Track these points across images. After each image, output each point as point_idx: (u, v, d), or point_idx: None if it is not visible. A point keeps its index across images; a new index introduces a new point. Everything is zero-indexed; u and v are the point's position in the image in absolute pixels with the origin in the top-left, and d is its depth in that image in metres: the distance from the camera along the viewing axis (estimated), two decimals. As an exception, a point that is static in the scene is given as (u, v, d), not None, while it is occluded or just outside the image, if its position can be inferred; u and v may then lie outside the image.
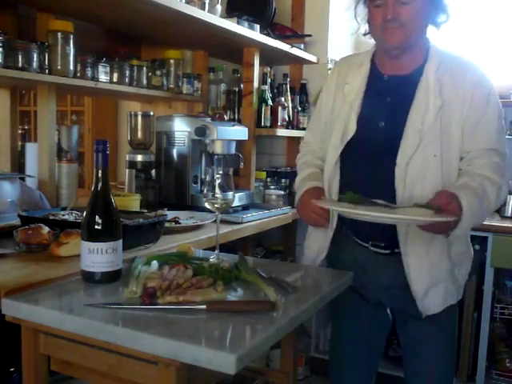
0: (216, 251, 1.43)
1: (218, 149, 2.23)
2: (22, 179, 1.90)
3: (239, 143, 2.45)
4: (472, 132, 1.46)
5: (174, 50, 2.53)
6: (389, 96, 1.52)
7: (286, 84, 2.83)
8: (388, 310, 1.74)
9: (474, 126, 1.46)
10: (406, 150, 1.45)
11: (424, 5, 1.43)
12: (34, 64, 1.77)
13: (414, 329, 1.61)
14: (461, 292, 1.59)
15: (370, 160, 1.51)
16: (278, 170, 2.90)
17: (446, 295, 1.53)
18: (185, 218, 1.98)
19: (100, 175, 1.21)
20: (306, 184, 1.65)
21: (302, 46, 2.87)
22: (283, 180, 2.84)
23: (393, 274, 1.54)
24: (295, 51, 2.75)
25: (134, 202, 1.89)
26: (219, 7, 2.30)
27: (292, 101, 2.86)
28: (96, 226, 1.19)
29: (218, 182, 1.40)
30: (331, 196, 1.57)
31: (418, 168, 1.44)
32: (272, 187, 2.75)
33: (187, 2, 2.01)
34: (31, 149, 2.07)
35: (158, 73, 2.36)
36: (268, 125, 2.65)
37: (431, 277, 1.49)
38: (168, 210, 1.96)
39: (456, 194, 1.37)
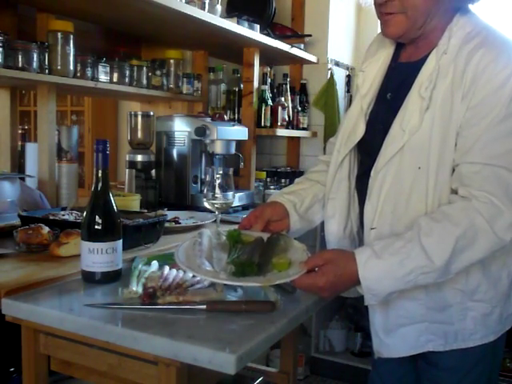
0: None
1: (218, 149, 2.23)
2: (22, 179, 1.90)
3: (239, 143, 2.45)
4: (464, 136, 1.11)
5: (174, 49, 2.53)
6: (390, 90, 1.27)
7: (286, 84, 2.83)
8: None
9: (468, 128, 1.11)
10: (383, 158, 1.19)
11: None
12: (34, 64, 1.77)
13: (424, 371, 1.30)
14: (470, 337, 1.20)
15: (367, 172, 1.26)
16: (278, 170, 2.90)
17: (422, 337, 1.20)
18: (185, 218, 1.98)
19: (100, 175, 1.21)
20: (274, 196, 1.41)
21: (302, 46, 2.87)
22: (283, 180, 2.84)
23: None
24: (295, 51, 2.75)
25: (133, 202, 1.89)
26: (219, 7, 2.29)
27: (292, 101, 2.86)
28: (96, 226, 1.18)
29: (218, 181, 1.40)
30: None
31: (394, 181, 1.16)
32: (272, 187, 2.75)
33: (187, 2, 2.01)
34: (31, 149, 2.07)
35: (158, 73, 2.36)
36: (268, 125, 2.65)
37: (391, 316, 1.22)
38: (168, 210, 1.96)
39: (346, 256, 1.11)
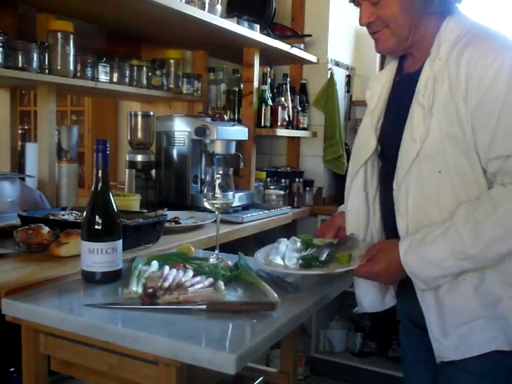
0: (216, 251, 1.43)
1: (218, 149, 2.23)
2: (22, 179, 1.90)
3: (239, 143, 2.45)
4: (480, 136, 1.12)
5: (173, 49, 2.53)
6: (396, 102, 1.30)
7: (286, 84, 2.83)
8: None
9: (481, 128, 1.12)
10: (401, 170, 1.21)
11: None
12: (34, 64, 1.77)
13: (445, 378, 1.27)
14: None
15: (378, 187, 1.33)
16: (278, 170, 2.90)
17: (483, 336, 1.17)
18: (185, 218, 1.98)
19: (100, 175, 1.21)
20: (342, 206, 1.46)
21: (302, 46, 2.87)
22: (283, 180, 2.84)
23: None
24: (295, 51, 2.75)
25: (133, 202, 1.89)
26: (219, 7, 2.30)
27: (292, 101, 2.86)
28: (96, 226, 1.19)
29: (218, 181, 1.40)
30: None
31: (418, 189, 1.19)
32: (272, 187, 2.75)
33: (187, 2, 2.01)
34: (31, 149, 2.07)
35: (158, 73, 2.36)
36: (268, 125, 2.65)
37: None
38: (168, 210, 1.96)
39: (393, 244, 1.19)
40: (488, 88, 1.09)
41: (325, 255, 1.27)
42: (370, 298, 1.35)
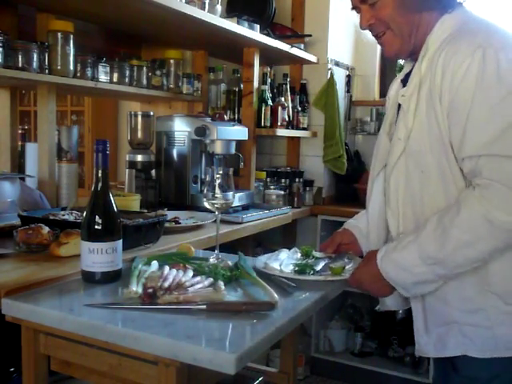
0: (216, 251, 1.43)
1: (218, 149, 2.23)
2: (22, 179, 1.90)
3: (239, 143, 2.45)
4: (453, 136, 1.11)
5: (174, 49, 2.53)
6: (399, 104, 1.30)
7: (286, 84, 2.83)
8: None
9: (453, 127, 1.11)
10: (389, 165, 1.25)
11: None
12: (34, 64, 1.77)
13: None
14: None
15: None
16: (278, 170, 2.90)
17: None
18: (185, 218, 1.98)
19: (100, 175, 1.21)
20: (345, 224, 1.53)
21: (302, 46, 2.87)
22: (283, 180, 2.84)
23: None
24: (295, 51, 2.75)
25: (133, 202, 1.89)
26: (219, 7, 2.30)
27: (292, 101, 2.86)
28: (96, 226, 1.19)
29: (217, 181, 1.40)
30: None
31: (406, 185, 1.21)
32: (272, 187, 2.75)
33: (187, 2, 2.01)
34: (31, 149, 2.07)
35: (158, 73, 2.36)
36: (268, 125, 2.65)
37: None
38: (168, 210, 1.96)
39: (374, 252, 1.23)
40: (458, 87, 1.08)
41: (321, 265, 1.36)
42: (394, 296, 1.32)
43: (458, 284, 1.15)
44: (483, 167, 1.06)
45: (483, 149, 1.06)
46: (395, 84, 1.35)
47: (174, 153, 2.24)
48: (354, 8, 1.29)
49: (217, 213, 1.44)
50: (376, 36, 1.27)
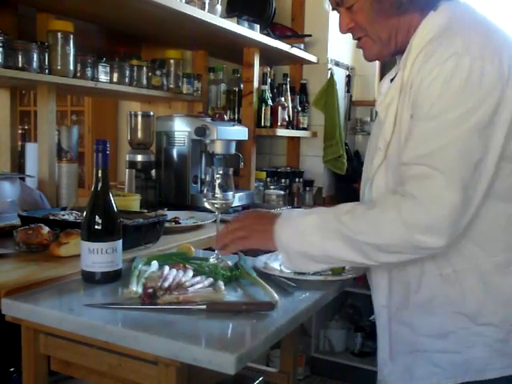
0: (216, 251, 1.43)
1: (218, 149, 2.23)
2: (22, 179, 1.90)
3: (239, 143, 2.45)
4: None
5: (173, 49, 2.53)
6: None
7: (286, 84, 2.84)
8: None
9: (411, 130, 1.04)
10: (365, 178, 1.21)
11: None
12: (34, 64, 1.77)
13: None
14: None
15: None
16: (278, 170, 2.90)
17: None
18: (185, 218, 1.98)
19: (100, 175, 1.21)
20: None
21: (302, 46, 2.87)
22: (283, 180, 2.84)
23: None
24: (295, 51, 2.75)
25: (133, 202, 1.89)
26: (219, 7, 2.30)
27: (292, 101, 2.86)
28: (96, 226, 1.18)
29: (217, 181, 1.40)
30: None
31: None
32: (272, 187, 2.75)
33: (187, 2, 2.01)
34: (31, 149, 2.07)
35: (158, 73, 2.36)
36: (268, 125, 2.66)
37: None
38: (168, 210, 1.96)
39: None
40: (423, 92, 1.01)
41: None
42: None
43: (426, 308, 1.08)
44: (410, 176, 1.00)
45: (416, 159, 1.00)
46: (385, 83, 1.24)
47: (174, 153, 2.24)
48: (334, 9, 1.22)
49: (217, 213, 1.44)
50: (357, 39, 1.21)
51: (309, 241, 1.09)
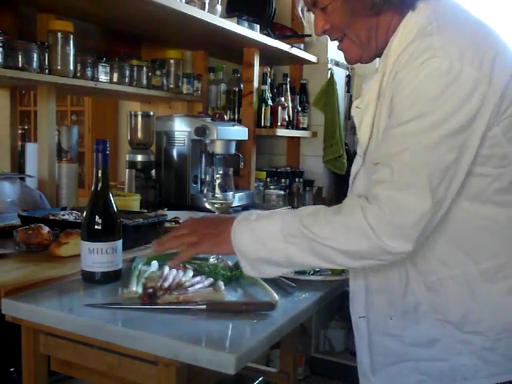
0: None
1: (218, 149, 2.23)
2: (22, 179, 1.90)
3: (239, 143, 2.45)
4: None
5: (173, 49, 2.53)
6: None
7: (286, 84, 2.83)
8: None
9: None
10: (351, 175, 1.19)
11: None
12: (34, 64, 1.77)
13: None
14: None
15: None
16: (278, 170, 2.90)
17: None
18: (185, 218, 1.97)
19: (100, 175, 1.21)
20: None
21: (302, 46, 2.87)
22: (283, 180, 2.84)
23: None
24: (295, 51, 2.75)
25: (133, 202, 1.89)
26: (219, 7, 2.29)
27: (292, 101, 2.86)
28: (96, 226, 1.18)
29: (217, 181, 1.40)
30: None
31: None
32: (272, 187, 2.75)
33: (187, 2, 2.01)
34: (31, 149, 2.07)
35: (158, 73, 2.36)
36: (268, 125, 2.65)
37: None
38: (168, 210, 1.96)
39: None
40: (400, 97, 0.95)
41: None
42: None
43: (411, 317, 1.05)
44: (374, 180, 0.97)
45: (383, 159, 0.96)
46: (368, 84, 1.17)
47: (174, 153, 2.24)
48: (309, 10, 1.15)
49: (217, 213, 1.44)
50: (338, 41, 1.14)
51: (271, 247, 1.01)
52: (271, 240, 1.00)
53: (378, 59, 1.16)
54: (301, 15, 1.17)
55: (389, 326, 1.08)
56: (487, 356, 1.01)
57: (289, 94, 2.82)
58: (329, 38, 1.16)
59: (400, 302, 1.06)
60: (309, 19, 1.16)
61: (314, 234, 0.97)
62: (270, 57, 2.77)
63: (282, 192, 2.71)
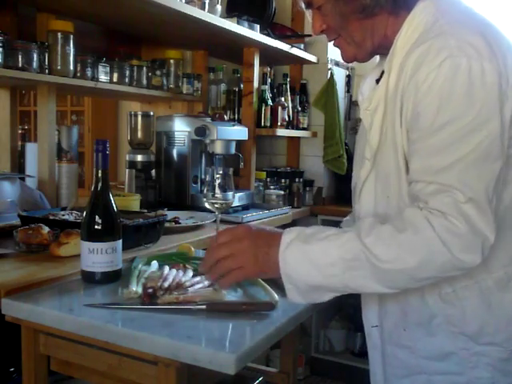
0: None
1: (218, 149, 2.23)
2: (22, 179, 1.90)
3: (239, 143, 2.45)
4: (409, 156, 0.97)
5: (173, 49, 2.53)
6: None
7: (286, 84, 2.83)
8: None
9: (411, 147, 0.96)
10: (357, 187, 1.13)
11: None
12: (34, 64, 1.77)
13: None
14: None
15: None
16: (278, 170, 2.90)
17: None
18: (185, 217, 1.98)
19: (100, 175, 1.21)
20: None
21: (302, 46, 2.87)
22: (283, 180, 2.84)
23: None
24: (295, 51, 2.75)
25: (133, 202, 1.89)
26: (219, 7, 2.29)
27: (292, 101, 2.86)
28: (96, 226, 1.18)
29: (217, 181, 1.40)
30: None
31: (376, 203, 1.07)
32: (272, 187, 2.75)
33: (187, 2, 2.01)
34: (31, 149, 2.07)
35: (158, 73, 2.36)
36: (268, 125, 2.66)
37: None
38: (168, 210, 1.96)
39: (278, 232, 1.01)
40: (420, 102, 0.92)
41: None
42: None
43: (425, 328, 1.02)
44: (430, 196, 0.91)
45: (434, 176, 0.91)
46: (368, 84, 1.15)
47: (174, 153, 2.24)
48: (307, 9, 1.15)
49: (217, 213, 1.44)
50: (333, 42, 1.15)
51: (329, 273, 0.93)
52: (328, 266, 0.93)
53: (377, 57, 1.16)
54: (305, 10, 1.16)
55: (402, 337, 1.05)
56: (504, 367, 0.99)
57: (289, 94, 2.82)
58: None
59: (413, 313, 1.04)
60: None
61: (377, 257, 0.90)
62: (270, 57, 2.77)
63: (282, 192, 2.70)
